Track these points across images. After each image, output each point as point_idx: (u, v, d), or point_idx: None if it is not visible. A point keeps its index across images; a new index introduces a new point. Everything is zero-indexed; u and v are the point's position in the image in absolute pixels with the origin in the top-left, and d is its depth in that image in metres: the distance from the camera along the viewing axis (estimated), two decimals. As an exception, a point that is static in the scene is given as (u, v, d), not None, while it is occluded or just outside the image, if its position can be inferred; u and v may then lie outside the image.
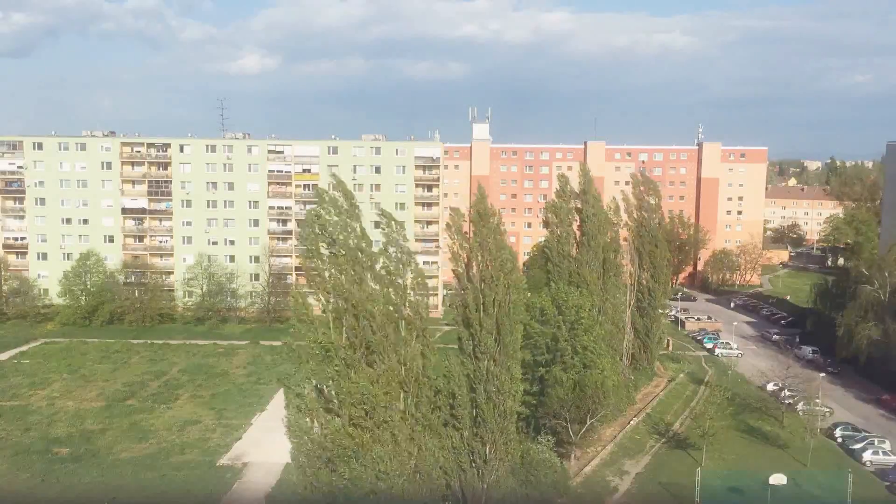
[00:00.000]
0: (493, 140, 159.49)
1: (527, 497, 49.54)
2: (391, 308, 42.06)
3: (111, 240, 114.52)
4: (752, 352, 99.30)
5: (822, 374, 75.00)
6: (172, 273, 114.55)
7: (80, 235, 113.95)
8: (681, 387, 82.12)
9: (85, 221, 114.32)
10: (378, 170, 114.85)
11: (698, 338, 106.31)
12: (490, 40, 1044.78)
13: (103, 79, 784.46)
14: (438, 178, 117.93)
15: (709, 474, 56.00)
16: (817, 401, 68.68)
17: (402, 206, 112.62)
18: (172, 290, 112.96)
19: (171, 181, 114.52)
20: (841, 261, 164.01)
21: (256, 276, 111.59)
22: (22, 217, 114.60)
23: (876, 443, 64.12)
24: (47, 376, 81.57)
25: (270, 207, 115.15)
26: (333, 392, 40.14)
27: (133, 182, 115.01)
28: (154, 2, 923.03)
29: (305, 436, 39.99)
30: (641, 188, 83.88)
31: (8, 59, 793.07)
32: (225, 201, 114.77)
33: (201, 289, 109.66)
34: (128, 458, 59.99)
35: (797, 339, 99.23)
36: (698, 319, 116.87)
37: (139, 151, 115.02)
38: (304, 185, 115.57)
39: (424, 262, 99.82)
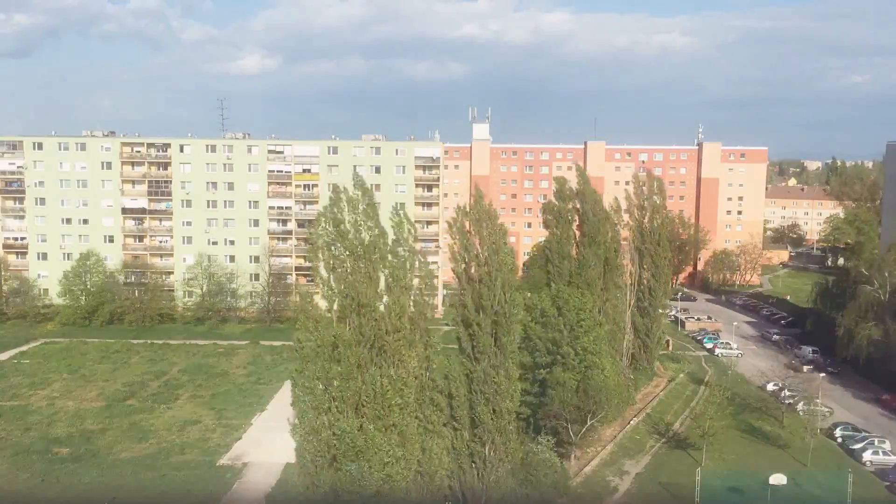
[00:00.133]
0: (493, 140, 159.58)
1: (527, 497, 49.53)
2: (398, 307, 42.03)
3: (111, 240, 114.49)
4: (752, 352, 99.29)
5: (822, 374, 74.97)
6: (172, 273, 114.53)
7: (80, 235, 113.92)
8: (681, 387, 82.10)
9: (85, 221, 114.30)
10: (378, 170, 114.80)
11: (698, 338, 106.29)
12: (490, 41, 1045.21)
13: (103, 79, 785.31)
14: (438, 178, 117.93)
15: (709, 474, 55.98)
16: (817, 401, 68.68)
17: (402, 206, 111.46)
18: (172, 290, 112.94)
19: (171, 181, 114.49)
20: (841, 261, 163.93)
21: (256, 276, 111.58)
22: (22, 217, 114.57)
23: (876, 443, 64.11)
24: (47, 376, 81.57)
25: (270, 207, 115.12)
26: (341, 391, 40.04)
27: (133, 182, 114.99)
28: (156, 3, 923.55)
29: (312, 434, 39.87)
30: (643, 187, 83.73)
31: (8, 59, 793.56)
32: (225, 201, 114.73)
33: (201, 289, 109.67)
34: (128, 458, 59.98)
35: (797, 342, 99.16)
36: (698, 319, 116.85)
37: (139, 151, 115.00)
38: (304, 185, 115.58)
39: (425, 262, 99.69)
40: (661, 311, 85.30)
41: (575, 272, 71.18)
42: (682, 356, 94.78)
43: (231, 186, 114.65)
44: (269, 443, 61.84)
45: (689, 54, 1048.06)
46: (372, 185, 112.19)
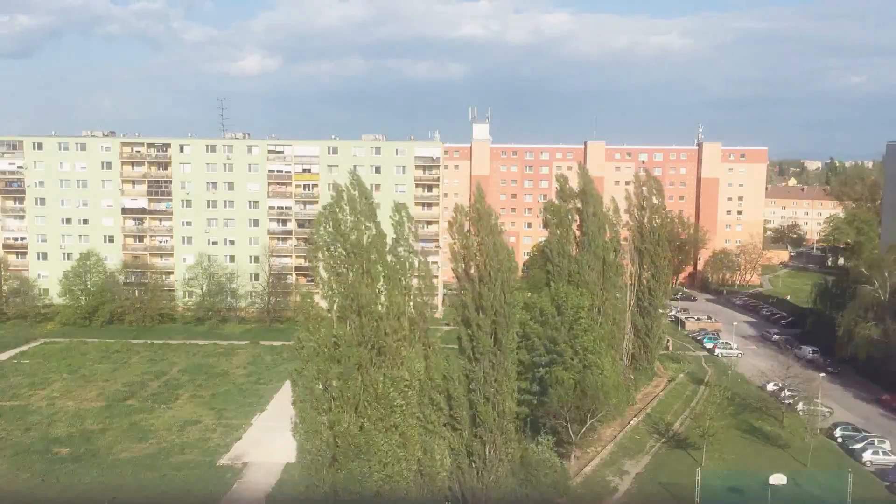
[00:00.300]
0: (493, 140, 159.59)
1: (527, 497, 49.53)
2: (399, 308, 42.01)
3: (111, 240, 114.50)
4: (752, 352, 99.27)
5: (822, 374, 74.98)
6: (172, 273, 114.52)
7: (80, 235, 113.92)
8: (681, 387, 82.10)
9: (85, 221, 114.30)
10: (378, 170, 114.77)
11: (698, 338, 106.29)
12: (490, 41, 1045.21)
13: (104, 79, 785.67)
14: (438, 178, 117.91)
15: (709, 474, 55.98)
16: (817, 401, 68.67)
17: (404, 204, 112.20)
18: (172, 290, 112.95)
19: (171, 181, 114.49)
20: (841, 261, 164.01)
21: (256, 276, 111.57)
22: (22, 217, 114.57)
23: (876, 443, 64.11)
24: (47, 376, 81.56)
25: (270, 207, 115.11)
26: (341, 391, 40.03)
27: (133, 182, 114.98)
28: (158, 4, 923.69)
29: (312, 433, 39.86)
30: (644, 187, 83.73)
31: (9, 59, 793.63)
32: (225, 201, 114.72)
33: (201, 289, 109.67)
34: (128, 458, 59.98)
35: (797, 342, 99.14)
36: (698, 319, 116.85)
37: (139, 151, 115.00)
38: (304, 185, 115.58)
39: (425, 262, 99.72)
40: (661, 311, 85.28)
41: (575, 272, 71.17)
42: (682, 356, 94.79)
43: (231, 186, 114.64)
44: (269, 443, 61.85)
45: (688, 55, 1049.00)
46: (372, 185, 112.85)
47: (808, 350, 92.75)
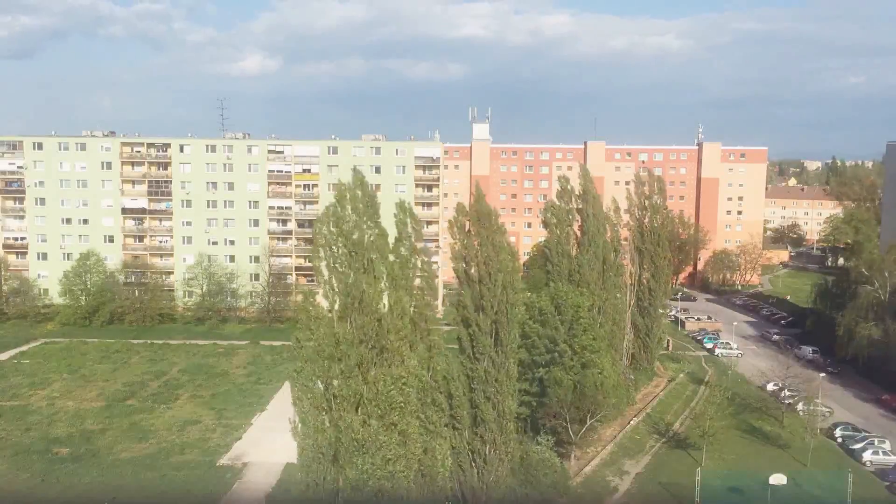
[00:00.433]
0: (493, 140, 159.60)
1: (527, 497, 49.56)
2: (400, 307, 42.00)
3: (111, 240, 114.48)
4: (752, 352, 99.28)
5: (822, 374, 75.00)
6: (172, 273, 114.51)
7: (80, 235, 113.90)
8: (681, 387, 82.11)
9: (85, 221, 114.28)
10: (378, 170, 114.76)
11: (698, 338, 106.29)
12: (490, 42, 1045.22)
13: (104, 80, 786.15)
14: (438, 178, 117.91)
15: (709, 474, 55.99)
16: (817, 401, 68.68)
17: (407, 203, 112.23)
18: (172, 290, 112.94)
19: (171, 181, 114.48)
20: (841, 261, 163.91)
21: (256, 276, 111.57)
22: (22, 217, 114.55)
23: (876, 443, 64.13)
24: (47, 376, 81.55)
25: (270, 207, 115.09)
26: (342, 390, 40.03)
27: (133, 182, 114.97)
28: (161, 5, 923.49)
29: (314, 432, 39.85)
30: (644, 187, 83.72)
31: (10, 60, 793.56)
32: (225, 201, 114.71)
33: (201, 289, 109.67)
34: (128, 458, 59.97)
35: (797, 342, 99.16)
36: (698, 319, 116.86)
37: (139, 151, 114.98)
38: (304, 185, 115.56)
39: (427, 262, 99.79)
40: (661, 311, 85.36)
41: (575, 272, 71.23)
42: (682, 356, 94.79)
43: (231, 186, 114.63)
44: (269, 443, 61.85)
45: (687, 55, 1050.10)
46: (372, 185, 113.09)
47: (808, 350, 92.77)
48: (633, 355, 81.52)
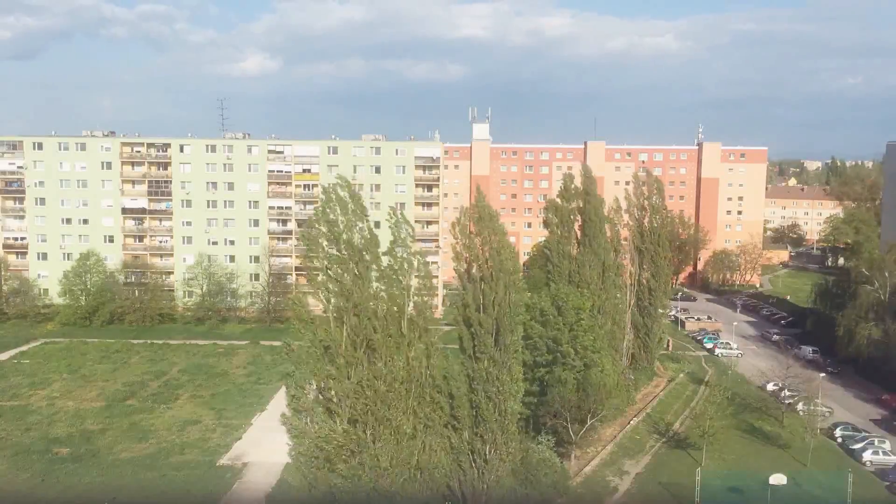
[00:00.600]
0: (493, 140, 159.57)
1: (527, 497, 49.54)
2: (395, 307, 42.06)
3: (111, 240, 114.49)
4: (752, 352, 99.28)
5: (822, 374, 74.99)
6: (172, 273, 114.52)
7: (80, 235, 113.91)
8: (681, 387, 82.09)
9: (85, 221, 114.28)
10: (378, 170, 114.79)
11: (698, 338, 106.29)
12: (490, 42, 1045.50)
13: (105, 80, 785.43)
14: (438, 178, 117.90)
15: (709, 474, 55.98)
16: (817, 401, 68.67)
17: (402, 206, 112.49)
18: (172, 290, 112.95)
19: (171, 181, 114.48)
20: (841, 261, 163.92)
21: (256, 276, 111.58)
22: (22, 217, 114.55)
23: (876, 443, 64.13)
24: (47, 376, 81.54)
25: (270, 207, 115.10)
26: (333, 391, 40.16)
27: (133, 182, 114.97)
28: (163, 7, 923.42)
29: (304, 435, 40.01)
30: (644, 187, 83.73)
31: (11, 61, 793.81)
32: (225, 201, 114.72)
33: (201, 289, 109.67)
34: (128, 458, 59.97)
35: (797, 342, 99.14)
36: (698, 319, 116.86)
37: (139, 151, 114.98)
38: (304, 185, 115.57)
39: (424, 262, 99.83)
40: (661, 310, 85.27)
41: (575, 272, 71.19)
42: (682, 356, 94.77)
43: (231, 186, 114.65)
44: (269, 443, 61.71)
45: (687, 55, 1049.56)
46: (372, 185, 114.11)
47: (808, 350, 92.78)
48: (633, 355, 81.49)
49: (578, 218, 74.76)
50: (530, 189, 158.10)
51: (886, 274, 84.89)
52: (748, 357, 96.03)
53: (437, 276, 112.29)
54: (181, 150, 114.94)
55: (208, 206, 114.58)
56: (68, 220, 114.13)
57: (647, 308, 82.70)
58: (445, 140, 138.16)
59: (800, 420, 68.27)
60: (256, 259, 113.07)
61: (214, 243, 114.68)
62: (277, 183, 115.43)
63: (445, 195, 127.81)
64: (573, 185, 73.59)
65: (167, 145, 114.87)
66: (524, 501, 49.27)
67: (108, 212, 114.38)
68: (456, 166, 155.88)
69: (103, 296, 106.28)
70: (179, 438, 64.18)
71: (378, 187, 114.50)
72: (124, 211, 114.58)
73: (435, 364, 45.10)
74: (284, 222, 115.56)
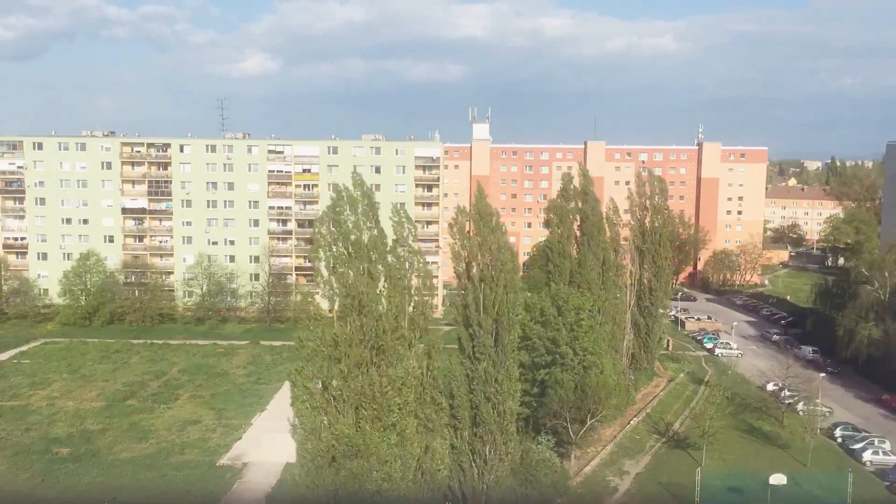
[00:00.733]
0: (493, 140, 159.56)
1: (527, 497, 49.53)
2: (398, 307, 41.99)
3: (111, 240, 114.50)
4: (752, 352, 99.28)
5: (822, 374, 74.98)
6: (172, 273, 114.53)
7: (80, 235, 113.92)
8: (681, 387, 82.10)
9: (85, 221, 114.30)
10: (378, 170, 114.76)
11: (698, 338, 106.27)
12: (490, 42, 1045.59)
13: (105, 80, 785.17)
14: (438, 178, 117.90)
15: (709, 474, 55.98)
16: (817, 401, 68.67)
17: (402, 205, 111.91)
18: (172, 290, 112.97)
19: (171, 181, 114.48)
20: (841, 261, 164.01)
21: (256, 276, 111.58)
22: (22, 217, 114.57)
23: (876, 443, 64.12)
24: (47, 376, 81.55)
25: (270, 207, 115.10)
26: (341, 390, 40.05)
27: (133, 182, 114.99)
28: (165, 8, 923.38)
29: (312, 433, 39.87)
30: (645, 187, 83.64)
31: (11, 61, 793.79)
32: (225, 201, 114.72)
33: (201, 289, 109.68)
34: (128, 458, 59.99)
35: (797, 342, 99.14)
36: (698, 319, 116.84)
37: (139, 151, 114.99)
38: (304, 185, 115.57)
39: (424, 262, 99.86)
40: (661, 310, 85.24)
41: (575, 272, 71.17)
42: (682, 356, 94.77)
43: (231, 186, 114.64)
44: (269, 443, 61.78)
45: (686, 56, 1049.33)
46: (372, 185, 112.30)
47: (808, 350, 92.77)
48: (633, 355, 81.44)
49: (578, 218, 74.74)
50: (530, 189, 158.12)
51: (886, 274, 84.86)
52: (748, 357, 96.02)
53: (437, 276, 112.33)
54: (181, 150, 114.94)
55: (208, 206, 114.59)
56: (68, 220, 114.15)
57: (647, 308, 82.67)
58: (445, 140, 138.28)
59: (800, 420, 68.28)
60: (256, 259, 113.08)
61: (214, 243, 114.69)
62: (277, 183, 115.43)
63: (445, 195, 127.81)
64: (572, 185, 73.54)
65: (167, 145, 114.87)
66: (524, 501, 49.26)
67: (108, 212, 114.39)
68: (456, 166, 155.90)
69: (103, 296, 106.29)
70: (179, 438, 64.18)
71: (378, 187, 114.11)
72: (124, 211, 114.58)
73: (436, 364, 45.08)
74: (284, 222, 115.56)
